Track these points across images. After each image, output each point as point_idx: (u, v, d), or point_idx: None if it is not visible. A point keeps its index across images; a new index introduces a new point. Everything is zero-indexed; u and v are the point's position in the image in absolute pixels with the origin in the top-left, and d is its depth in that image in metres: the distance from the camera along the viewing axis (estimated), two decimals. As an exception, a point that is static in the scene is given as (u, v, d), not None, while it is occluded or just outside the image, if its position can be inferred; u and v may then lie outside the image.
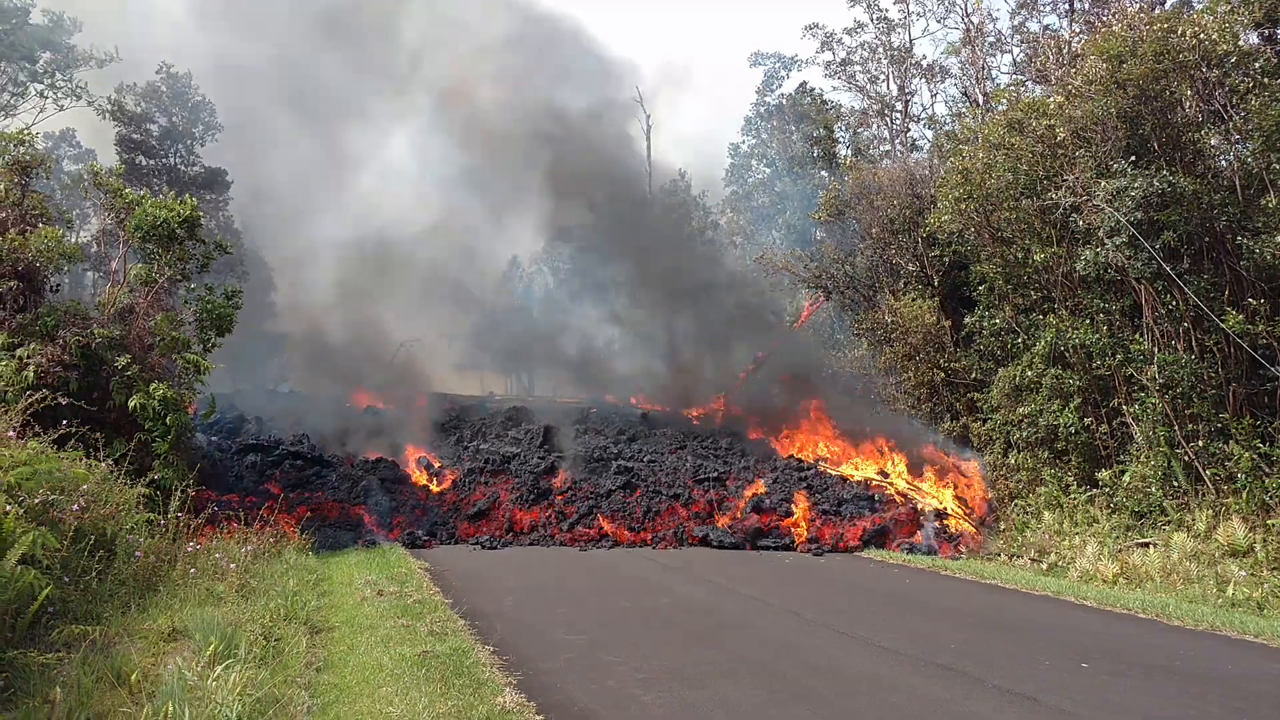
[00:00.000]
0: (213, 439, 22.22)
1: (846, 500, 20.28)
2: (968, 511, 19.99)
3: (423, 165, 40.09)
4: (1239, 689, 8.90)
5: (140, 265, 16.62)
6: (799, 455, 23.75)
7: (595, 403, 30.98)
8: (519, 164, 38.38)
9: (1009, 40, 33.53)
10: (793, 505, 20.08)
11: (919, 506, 19.99)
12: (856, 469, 22.52)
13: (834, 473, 22.07)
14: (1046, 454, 19.40)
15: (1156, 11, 17.17)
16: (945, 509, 19.93)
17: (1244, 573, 13.87)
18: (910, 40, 37.85)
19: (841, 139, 38.75)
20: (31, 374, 13.40)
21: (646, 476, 21.81)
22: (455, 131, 39.70)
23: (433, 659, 9.08)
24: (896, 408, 24.43)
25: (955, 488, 20.88)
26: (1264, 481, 15.06)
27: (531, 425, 25.66)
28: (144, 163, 37.33)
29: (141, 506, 11.38)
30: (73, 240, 18.81)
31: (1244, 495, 15.19)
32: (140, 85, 37.28)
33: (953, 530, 19.22)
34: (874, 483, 21.26)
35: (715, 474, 21.96)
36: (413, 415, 27.90)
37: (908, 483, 21.22)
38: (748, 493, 20.84)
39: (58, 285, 16.44)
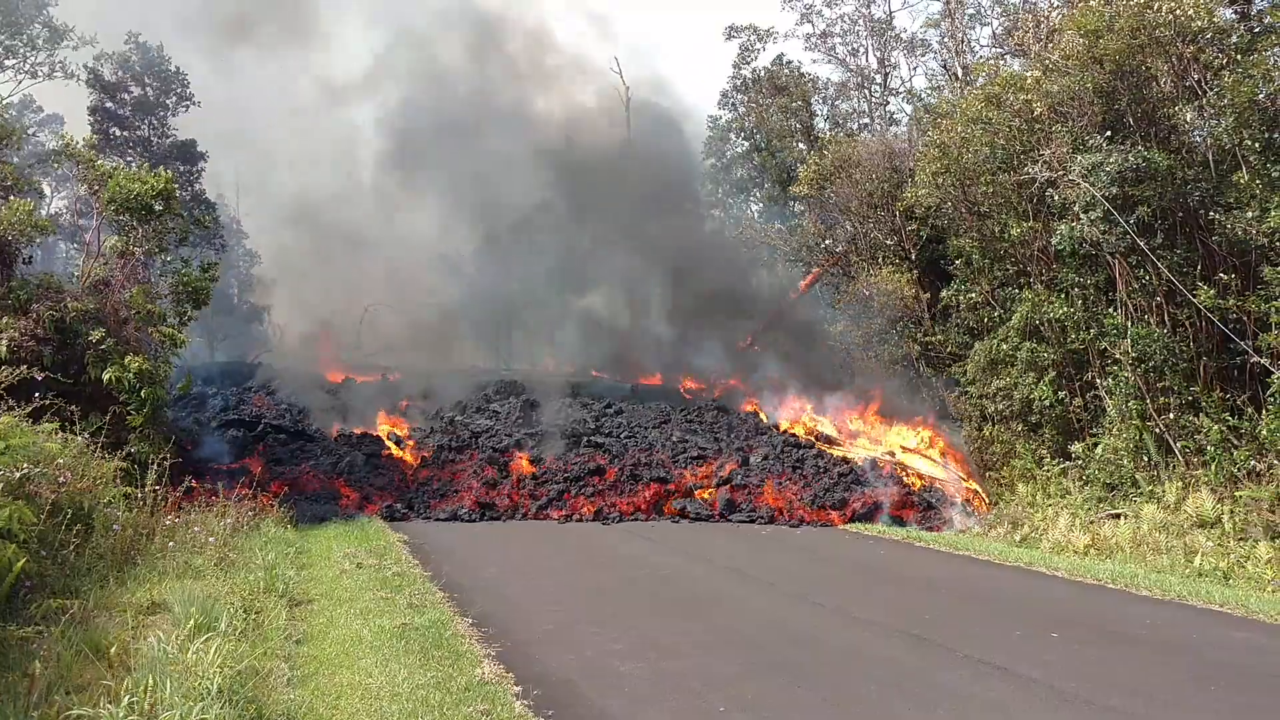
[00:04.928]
0: (181, 415, 22.03)
1: (839, 477, 20.28)
2: (984, 492, 20.08)
3: (394, 139, 39.78)
4: (1204, 657, 9.11)
5: (115, 238, 16.46)
6: (793, 431, 23.84)
7: (583, 375, 31.03)
8: (498, 134, 38.23)
9: (989, 13, 33.51)
10: (777, 480, 20.14)
11: (937, 489, 19.94)
12: (854, 447, 22.61)
13: (830, 451, 22.13)
14: (1021, 427, 19.61)
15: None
16: (971, 490, 19.94)
17: (1211, 543, 14.13)
18: (890, 12, 37.76)
19: (819, 112, 38.66)
20: (4, 348, 13.29)
21: (629, 451, 21.77)
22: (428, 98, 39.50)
23: (412, 631, 9.14)
24: (878, 380, 24.57)
25: (947, 461, 21.05)
26: (1232, 454, 15.30)
27: (515, 398, 25.64)
28: (117, 134, 36.75)
29: (119, 480, 11.35)
30: (44, 213, 18.54)
31: (1213, 467, 15.43)
32: (114, 54, 36.61)
33: (973, 506, 19.27)
34: (883, 461, 21.22)
35: (701, 449, 21.98)
36: (393, 388, 27.85)
37: (929, 461, 21.23)
38: (730, 467, 20.95)
39: (30, 258, 16.26)
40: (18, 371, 11.68)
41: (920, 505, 19.38)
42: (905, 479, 20.31)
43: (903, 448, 21.99)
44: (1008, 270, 20.53)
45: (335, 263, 38.33)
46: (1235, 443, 15.45)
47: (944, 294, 21.91)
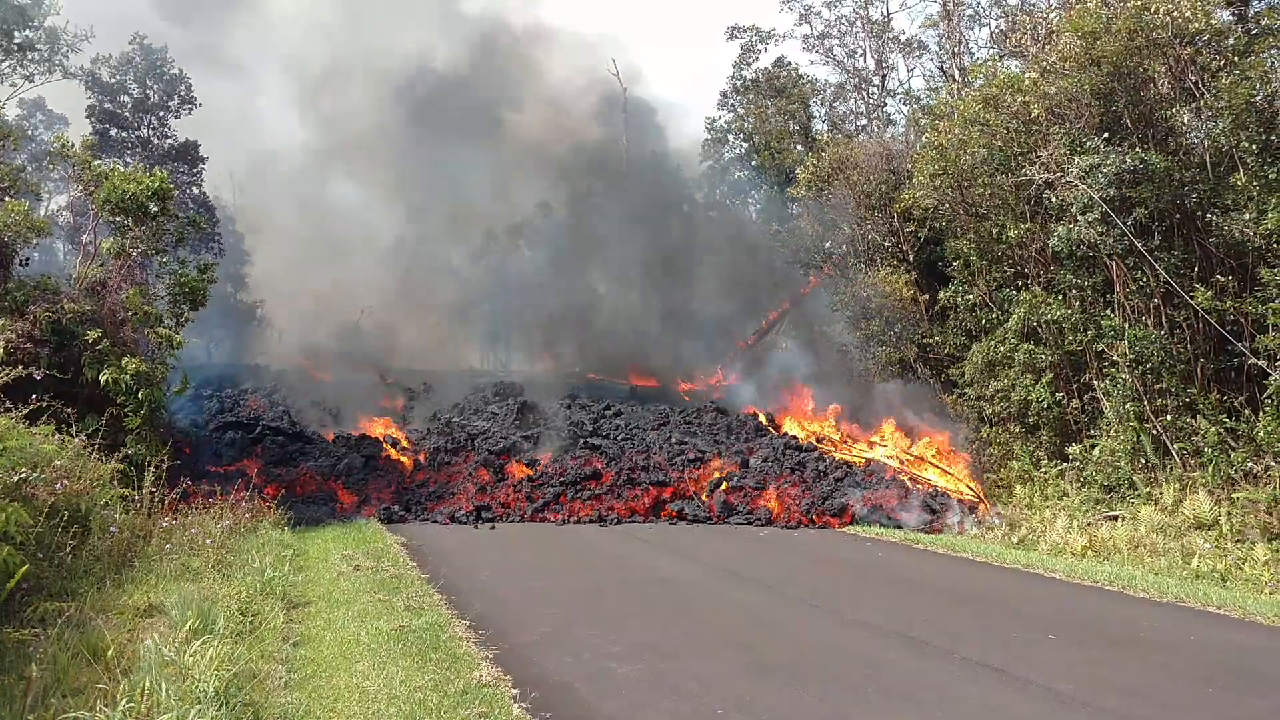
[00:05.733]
0: (176, 414, 21.95)
1: (836, 481, 20.20)
2: (982, 494, 20.01)
3: (394, 138, 39.79)
4: (1202, 659, 9.11)
5: (112, 239, 16.43)
6: (793, 433, 23.79)
7: (581, 377, 31.03)
8: (493, 135, 38.25)
9: (987, 14, 33.52)
10: (776, 482, 20.07)
11: (942, 493, 19.86)
12: (858, 450, 22.55)
13: (830, 453, 22.08)
14: (1018, 428, 19.61)
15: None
16: (977, 498, 19.81)
17: (1208, 545, 14.13)
18: (888, 13, 37.78)
19: (817, 114, 38.70)
20: (1, 349, 13.26)
21: (627, 453, 21.71)
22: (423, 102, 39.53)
23: (409, 633, 9.13)
24: (876, 382, 24.56)
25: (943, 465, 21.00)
26: (1229, 456, 15.31)
27: (513, 400, 25.60)
28: (116, 134, 36.65)
29: (116, 482, 11.33)
30: (43, 213, 18.49)
31: (1210, 469, 15.44)
32: (114, 56, 36.49)
33: (971, 508, 19.20)
34: (882, 463, 21.13)
35: (700, 451, 21.92)
36: (391, 389, 27.85)
37: (930, 465, 21.14)
38: (729, 469, 20.91)
39: (27, 259, 16.22)
40: (14, 372, 11.66)
41: (919, 508, 19.35)
42: (904, 482, 20.27)
43: (902, 450, 21.98)
44: (1005, 272, 20.54)
45: (332, 264, 38.33)
46: (1232, 444, 15.47)
47: (942, 295, 21.91)
